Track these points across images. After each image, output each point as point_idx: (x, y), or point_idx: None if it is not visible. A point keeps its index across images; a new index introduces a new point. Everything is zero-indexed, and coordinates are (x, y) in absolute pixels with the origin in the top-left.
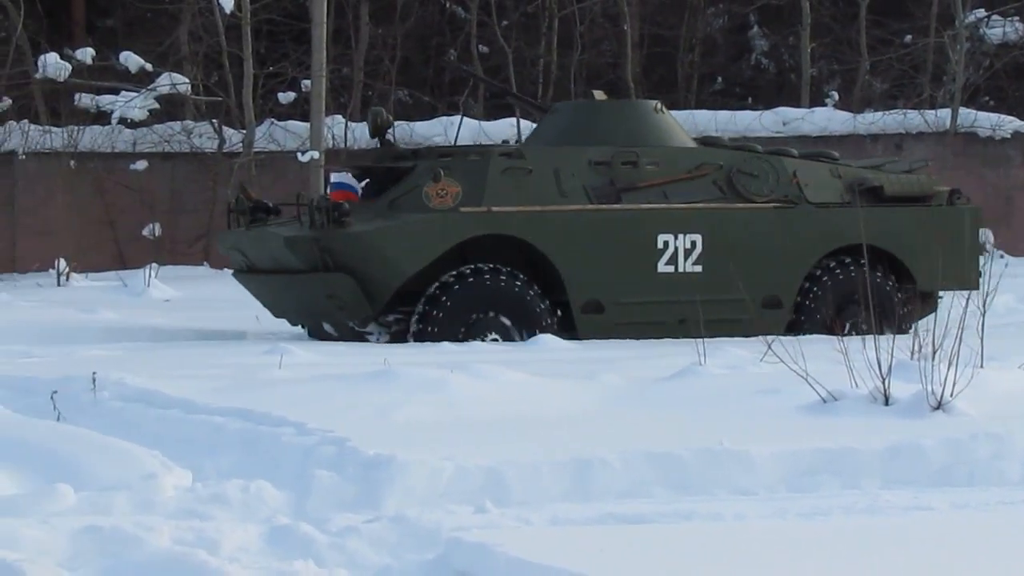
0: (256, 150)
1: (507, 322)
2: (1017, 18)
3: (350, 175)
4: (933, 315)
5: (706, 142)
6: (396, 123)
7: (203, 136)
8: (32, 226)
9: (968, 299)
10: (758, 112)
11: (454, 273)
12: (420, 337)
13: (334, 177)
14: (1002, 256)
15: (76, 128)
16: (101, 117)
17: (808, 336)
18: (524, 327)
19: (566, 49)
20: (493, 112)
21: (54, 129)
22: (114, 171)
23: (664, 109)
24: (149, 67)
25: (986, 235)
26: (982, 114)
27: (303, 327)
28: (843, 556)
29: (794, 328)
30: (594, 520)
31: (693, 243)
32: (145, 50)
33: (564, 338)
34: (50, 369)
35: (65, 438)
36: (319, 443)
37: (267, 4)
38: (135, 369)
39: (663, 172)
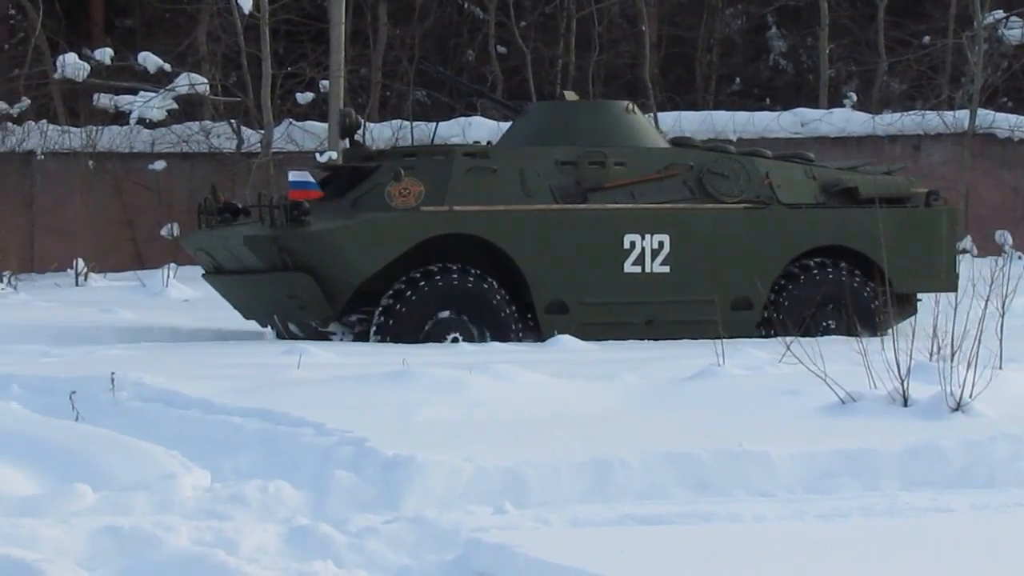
0: (274, 150)
1: (469, 322)
2: None
3: (308, 173)
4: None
5: (678, 143)
6: (414, 123)
7: (221, 136)
8: (51, 226)
9: (987, 300)
10: (776, 113)
11: (415, 273)
12: (382, 337)
13: (292, 176)
14: (1020, 257)
15: (95, 128)
16: (120, 117)
17: (826, 337)
18: (487, 327)
19: (584, 50)
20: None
21: (73, 129)
22: (132, 171)
23: (636, 110)
24: (168, 67)
25: (1004, 237)
26: (1000, 115)
27: (271, 328)
28: (862, 557)
29: (766, 330)
30: (613, 521)
31: (661, 243)
32: (164, 50)
33: (528, 339)
34: (69, 369)
35: (84, 438)
36: (338, 443)
37: (286, 4)
38: (154, 369)
39: (631, 172)
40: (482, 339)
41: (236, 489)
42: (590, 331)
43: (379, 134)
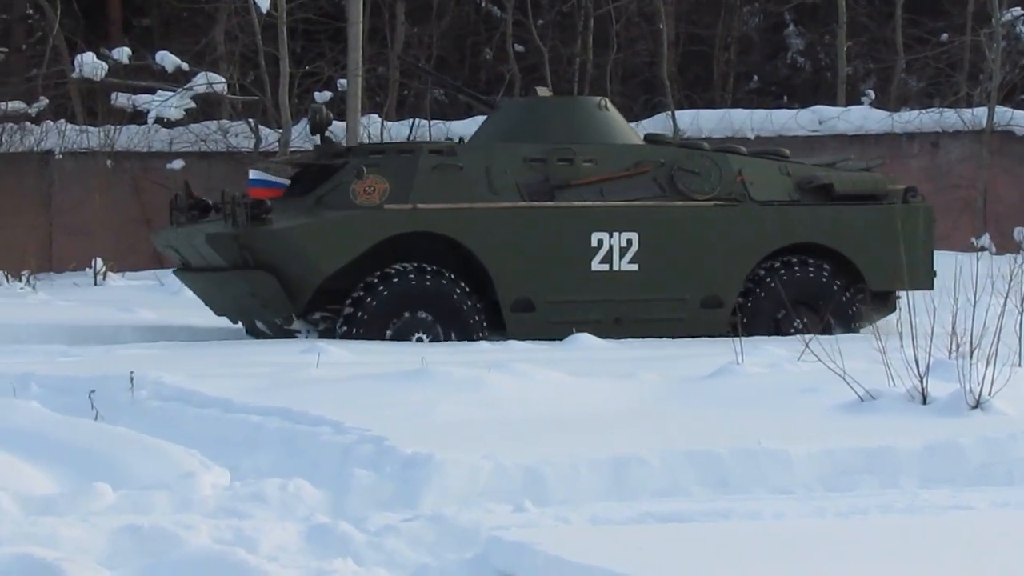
0: (292, 149)
1: (435, 321)
2: None
3: (269, 172)
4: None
5: (651, 140)
6: (432, 122)
7: (239, 135)
8: (69, 225)
9: (1006, 298)
10: (794, 111)
11: (381, 272)
12: (347, 336)
13: (252, 174)
14: None
15: (112, 128)
16: (137, 116)
17: (845, 335)
18: (452, 326)
19: (602, 48)
20: None
21: (91, 129)
22: (150, 170)
23: (609, 106)
24: (185, 66)
25: (1022, 234)
26: (1019, 112)
27: (242, 324)
28: (882, 555)
29: (737, 328)
30: (633, 519)
31: (629, 241)
32: (181, 49)
33: (494, 338)
34: (88, 368)
35: (103, 437)
36: (357, 442)
37: (303, 3)
38: (173, 368)
39: (600, 169)
40: (447, 337)
41: (256, 488)
42: (556, 329)
43: (397, 132)
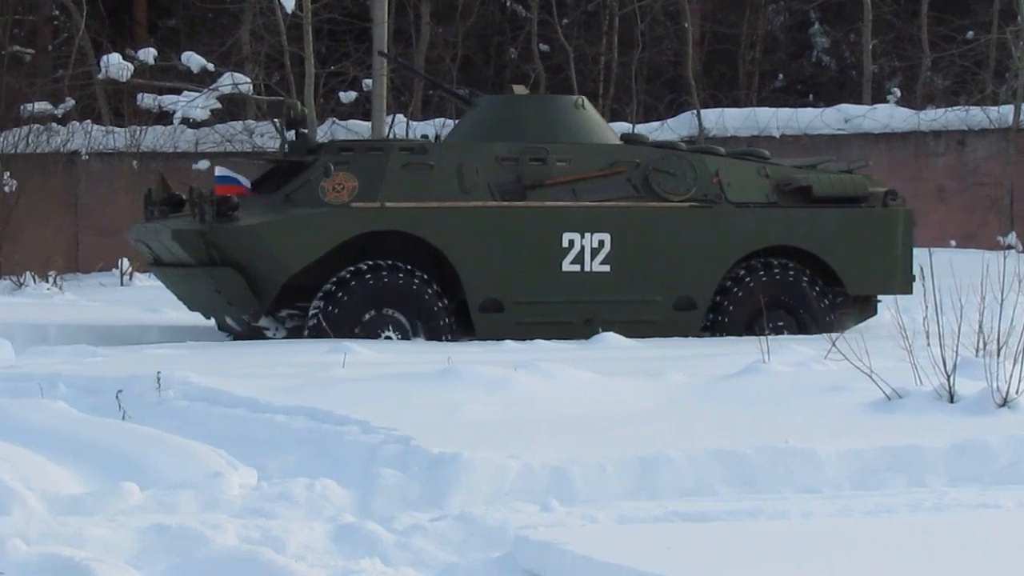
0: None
1: (403, 319)
2: None
3: (233, 169)
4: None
5: (628, 140)
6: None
7: (265, 136)
8: (95, 226)
9: None
10: (819, 109)
11: (350, 270)
12: (316, 333)
13: (218, 171)
14: None
15: (138, 128)
16: (163, 117)
17: (872, 334)
18: (420, 325)
19: (627, 47)
20: None
21: (117, 129)
22: (176, 171)
23: (586, 105)
24: (211, 67)
25: None
26: None
27: (214, 320)
28: (910, 554)
29: (713, 330)
30: (660, 518)
31: (601, 242)
32: (207, 50)
33: (463, 338)
34: (115, 368)
35: (131, 437)
36: (384, 441)
37: (328, 4)
38: (199, 368)
39: (574, 169)
40: (417, 336)
41: (283, 487)
42: (526, 330)
43: (422, 133)
